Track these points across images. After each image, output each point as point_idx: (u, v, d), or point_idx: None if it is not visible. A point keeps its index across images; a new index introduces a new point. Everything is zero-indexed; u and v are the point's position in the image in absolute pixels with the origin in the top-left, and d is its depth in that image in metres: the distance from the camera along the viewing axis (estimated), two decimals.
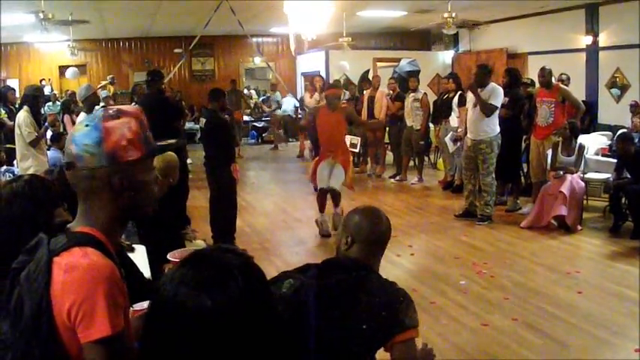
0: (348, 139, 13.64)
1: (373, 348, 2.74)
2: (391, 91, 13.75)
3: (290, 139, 21.47)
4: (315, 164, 9.22)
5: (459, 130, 10.94)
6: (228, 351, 1.43)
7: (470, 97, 9.48)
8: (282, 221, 10.25)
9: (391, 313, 2.68)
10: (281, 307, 2.59)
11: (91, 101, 9.23)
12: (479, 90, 9.19)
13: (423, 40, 21.58)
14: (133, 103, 10.74)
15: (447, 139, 11.56)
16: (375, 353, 2.77)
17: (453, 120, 11.80)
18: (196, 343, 1.43)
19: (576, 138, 9.30)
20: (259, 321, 1.48)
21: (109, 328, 1.73)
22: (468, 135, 9.49)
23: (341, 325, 2.62)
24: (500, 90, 9.36)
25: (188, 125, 18.47)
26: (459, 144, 10.96)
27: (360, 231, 2.99)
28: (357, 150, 13.96)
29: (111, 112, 1.97)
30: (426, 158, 14.28)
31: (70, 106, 13.62)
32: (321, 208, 9.11)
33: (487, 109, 9.18)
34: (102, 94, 16.46)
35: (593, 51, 15.06)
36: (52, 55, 20.21)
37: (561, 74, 11.39)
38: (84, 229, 1.91)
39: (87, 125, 1.93)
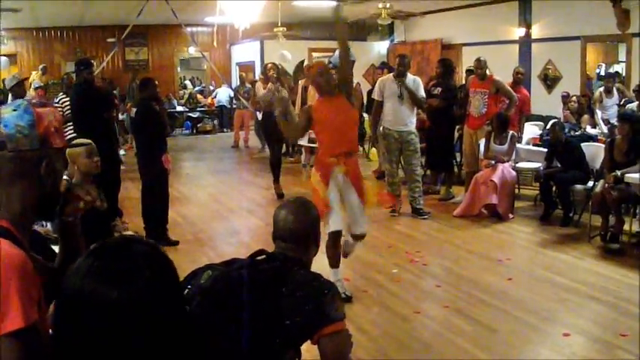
0: (307, 133, 13.60)
1: (298, 342, 2.69)
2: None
3: (224, 130, 21.36)
4: (321, 181, 6.03)
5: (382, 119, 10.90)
6: (137, 342, 1.38)
7: (391, 88, 9.21)
8: (216, 212, 10.14)
9: (316, 307, 2.62)
10: (198, 298, 2.54)
11: (15, 91, 9.00)
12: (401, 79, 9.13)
13: (359, 30, 21.54)
14: (62, 93, 10.53)
15: (382, 129, 11.58)
16: (301, 346, 2.73)
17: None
18: (105, 335, 1.38)
19: (506, 128, 9.39)
20: (166, 312, 1.43)
21: (22, 320, 1.66)
22: (392, 127, 9.26)
23: (263, 318, 2.56)
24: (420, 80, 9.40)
25: (122, 116, 18.15)
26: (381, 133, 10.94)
27: (285, 226, 2.96)
28: (316, 145, 13.95)
29: (35, 101, 2.04)
30: (360, 148, 14.29)
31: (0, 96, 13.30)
32: (335, 262, 6.08)
33: (421, 103, 9.23)
34: (34, 84, 16.13)
35: (525, 43, 15.26)
36: None
37: (517, 71, 11.42)
38: None
39: (15, 109, 1.93)
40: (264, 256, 2.78)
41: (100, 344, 1.38)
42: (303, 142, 13.51)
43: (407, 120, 9.20)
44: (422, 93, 9.29)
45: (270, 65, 10.88)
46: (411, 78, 9.24)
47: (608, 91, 11.63)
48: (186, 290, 2.57)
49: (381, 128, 9.76)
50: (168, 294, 1.46)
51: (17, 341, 1.66)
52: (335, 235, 5.98)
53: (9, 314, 1.66)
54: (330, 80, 6.18)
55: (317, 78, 6.24)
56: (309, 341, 2.67)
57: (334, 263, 6.02)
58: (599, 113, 11.35)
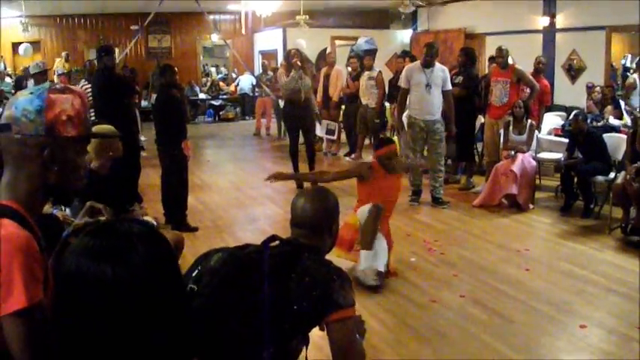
0: (325, 123, 13.60)
1: (306, 328, 2.69)
2: (352, 70, 13.73)
3: (246, 117, 21.38)
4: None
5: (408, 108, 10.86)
6: (134, 321, 1.38)
7: (418, 77, 9.17)
8: (235, 199, 10.16)
9: (324, 293, 2.61)
10: (207, 278, 2.54)
11: (37, 79, 9.07)
12: (425, 70, 9.11)
13: (381, 18, 21.49)
14: (84, 80, 10.58)
15: (405, 117, 11.56)
16: (309, 332, 2.73)
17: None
18: (101, 314, 1.38)
19: (528, 118, 9.33)
20: (163, 290, 1.43)
21: (25, 299, 1.69)
22: (418, 116, 9.24)
23: (272, 303, 2.55)
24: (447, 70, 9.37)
25: (144, 103, 18.23)
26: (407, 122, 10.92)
27: (301, 213, 2.96)
28: (334, 137, 13.93)
29: (58, 86, 1.98)
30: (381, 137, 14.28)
31: (22, 83, 13.40)
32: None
33: (448, 94, 9.23)
34: (57, 70, 16.21)
35: (550, 32, 15.12)
36: (4, 31, 19.63)
37: (539, 61, 11.28)
38: (2, 202, 1.88)
39: (31, 93, 1.93)
40: (277, 242, 2.78)
41: (96, 323, 1.38)
42: (322, 133, 13.46)
43: (434, 109, 9.17)
44: (449, 85, 9.28)
45: (293, 52, 10.79)
46: (439, 67, 9.22)
47: None
48: (196, 271, 2.58)
49: (404, 117, 9.74)
50: (164, 272, 1.45)
51: (21, 320, 1.69)
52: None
53: (13, 294, 1.69)
54: (391, 162, 6.45)
55: (385, 161, 6.41)
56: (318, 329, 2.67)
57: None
58: (622, 104, 11.26)
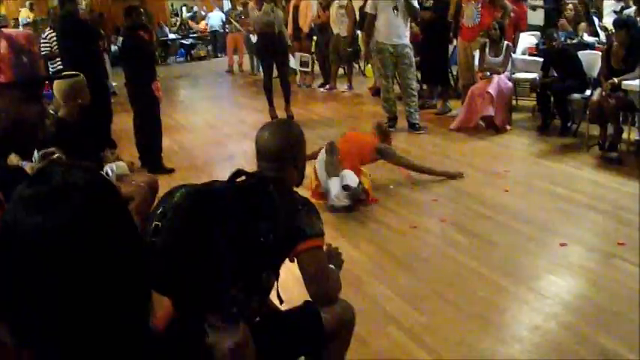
0: (298, 56, 13.41)
1: (276, 260, 2.64)
2: (322, 0, 13.52)
3: (218, 55, 21.14)
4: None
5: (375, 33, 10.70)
6: (76, 272, 1.29)
7: (385, 0, 8.94)
8: (211, 137, 10.06)
9: (290, 223, 2.56)
10: (169, 214, 2.46)
11: None
12: None
13: None
14: (49, 29, 10.37)
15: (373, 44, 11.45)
16: (280, 266, 2.68)
17: None
18: (37, 266, 1.27)
19: (503, 39, 9.23)
20: (107, 237, 1.34)
21: None
22: (386, 40, 9.07)
23: (237, 236, 2.49)
24: None
25: (114, 48, 17.94)
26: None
27: (265, 144, 2.88)
28: (308, 69, 13.74)
29: None
30: (355, 65, 14.17)
31: None
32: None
33: (417, 14, 9.06)
34: (22, 20, 15.90)
35: None
36: None
37: None
38: None
39: None
40: (243, 177, 2.70)
41: (35, 276, 1.29)
42: (295, 65, 13.27)
43: (401, 33, 9.03)
44: (416, 4, 9.10)
45: None
46: None
47: None
48: (160, 208, 2.51)
49: (372, 43, 9.58)
50: (106, 220, 1.36)
51: None
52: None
53: None
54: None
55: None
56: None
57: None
58: (596, 21, 11.17)
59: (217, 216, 2.45)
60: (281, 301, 2.77)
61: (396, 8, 8.85)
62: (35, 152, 4.04)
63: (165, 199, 2.57)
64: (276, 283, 2.66)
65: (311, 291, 2.68)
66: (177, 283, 2.30)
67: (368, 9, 9.37)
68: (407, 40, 9.11)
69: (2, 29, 1.90)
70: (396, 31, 9.01)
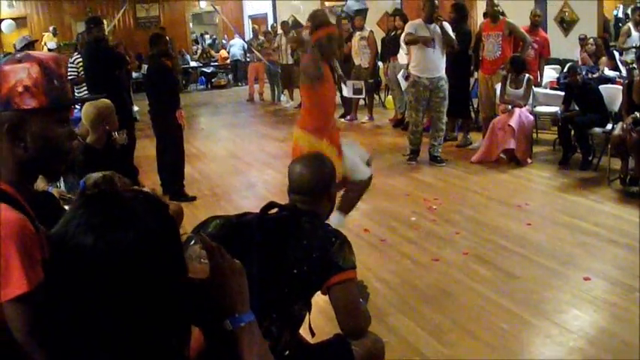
0: (350, 84, 13.37)
1: (308, 292, 2.67)
2: (344, 32, 13.57)
3: (239, 83, 21.27)
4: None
5: (409, 67, 10.75)
6: (127, 295, 1.29)
7: (421, 33, 8.97)
8: (232, 166, 10.13)
9: (323, 255, 2.60)
10: None
11: None
12: (428, 26, 8.94)
13: None
14: (77, 53, 10.49)
15: (400, 76, 11.48)
16: (311, 297, 2.70)
17: (402, 57, 11.71)
18: (86, 286, 1.29)
19: (522, 72, 9.26)
20: (159, 264, 1.34)
21: (26, 284, 1.64)
22: (422, 74, 9.09)
23: (270, 266, 2.52)
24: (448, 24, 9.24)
25: (135, 75, 18.10)
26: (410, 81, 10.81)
27: (298, 179, 2.94)
28: (362, 96, 13.49)
29: (17, 56, 1.85)
30: (375, 97, 14.21)
31: None
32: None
33: (454, 43, 9.08)
34: (48, 45, 16.08)
35: None
36: None
37: (535, 14, 11.08)
38: None
39: None
40: (275, 210, 2.75)
41: (91, 295, 1.30)
42: (348, 93, 13.14)
43: (438, 65, 9.08)
44: (451, 33, 9.11)
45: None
46: (441, 23, 9.02)
47: (637, 24, 11.45)
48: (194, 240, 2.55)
49: (400, 75, 9.61)
50: (162, 245, 1.36)
51: (24, 305, 1.64)
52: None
53: (12, 279, 1.64)
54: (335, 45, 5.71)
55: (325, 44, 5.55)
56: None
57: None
58: (617, 55, 11.18)
59: (250, 247, 2.49)
60: (312, 334, 2.79)
61: (433, 41, 8.91)
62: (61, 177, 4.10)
63: (199, 229, 2.62)
64: (308, 315, 2.69)
65: (343, 324, 2.69)
66: (209, 314, 2.33)
67: (405, 35, 9.30)
68: (443, 72, 9.13)
69: (31, 53, 1.92)
70: (433, 64, 9.05)
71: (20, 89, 1.79)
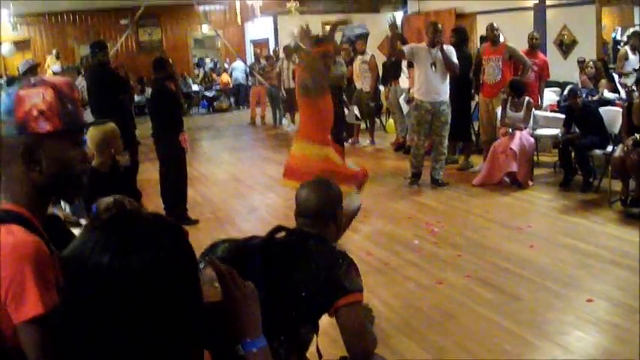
0: (353, 109, 13.46)
1: (315, 314, 2.69)
2: (345, 56, 13.65)
3: (240, 107, 21.33)
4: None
5: (411, 90, 10.81)
6: (141, 315, 1.31)
7: (423, 56, 9.05)
8: (234, 189, 10.16)
9: (330, 278, 2.63)
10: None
11: (29, 76, 9.01)
12: (431, 50, 9.01)
13: (371, 1, 21.40)
14: (81, 76, 10.56)
15: (401, 100, 11.57)
16: (319, 319, 2.73)
17: (403, 81, 11.82)
18: (109, 308, 1.30)
19: (522, 95, 9.32)
20: (175, 284, 1.35)
21: (41, 306, 1.66)
22: (424, 98, 9.14)
23: (276, 289, 2.55)
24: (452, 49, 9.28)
25: (138, 98, 18.18)
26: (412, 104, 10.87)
27: (305, 203, 2.99)
28: (361, 122, 13.65)
29: (33, 80, 1.86)
30: (377, 120, 14.26)
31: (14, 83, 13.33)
32: None
33: (456, 68, 9.10)
34: (53, 68, 16.15)
35: (540, 9, 15.08)
36: None
37: (532, 37, 11.15)
38: (7, 206, 1.83)
39: (6, 93, 1.83)
40: (283, 233, 2.78)
41: (110, 317, 1.31)
42: (351, 119, 13.21)
43: (440, 89, 9.10)
44: (454, 59, 9.13)
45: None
46: (444, 47, 9.08)
47: (634, 48, 11.54)
48: (203, 263, 2.58)
49: (401, 98, 9.66)
50: (177, 265, 1.37)
51: (38, 327, 1.66)
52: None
53: (27, 301, 1.66)
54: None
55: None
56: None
57: None
58: (616, 78, 11.26)
59: (258, 270, 2.52)
60: (320, 356, 2.81)
61: (434, 64, 8.95)
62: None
63: (207, 252, 2.65)
64: (315, 337, 2.71)
65: (349, 346, 2.70)
66: (217, 337, 2.36)
67: (405, 50, 9.37)
68: (446, 97, 9.14)
69: (45, 78, 1.95)
70: (434, 88, 9.06)
71: (35, 113, 1.80)
